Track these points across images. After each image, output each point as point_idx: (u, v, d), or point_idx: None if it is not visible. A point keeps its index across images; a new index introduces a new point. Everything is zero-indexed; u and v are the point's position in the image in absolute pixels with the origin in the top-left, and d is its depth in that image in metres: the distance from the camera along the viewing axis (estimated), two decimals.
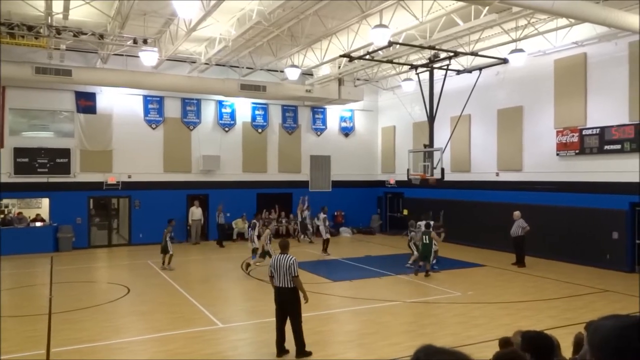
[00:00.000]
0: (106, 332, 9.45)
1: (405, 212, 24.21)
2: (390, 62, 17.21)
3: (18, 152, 19.19)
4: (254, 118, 23.57)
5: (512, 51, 15.81)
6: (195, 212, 21.58)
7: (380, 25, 12.93)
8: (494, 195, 19.19)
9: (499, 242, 17.84)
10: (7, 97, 19.04)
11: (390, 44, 14.34)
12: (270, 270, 8.21)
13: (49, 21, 14.70)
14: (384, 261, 17.26)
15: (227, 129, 22.97)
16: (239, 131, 23.26)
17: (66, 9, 13.61)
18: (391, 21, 13.46)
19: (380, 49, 16.01)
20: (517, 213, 16.15)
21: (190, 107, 22.24)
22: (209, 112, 22.67)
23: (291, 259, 8.05)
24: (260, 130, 23.70)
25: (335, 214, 24.68)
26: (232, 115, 23.10)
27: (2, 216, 20.18)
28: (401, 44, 15.51)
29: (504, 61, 15.92)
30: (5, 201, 20.32)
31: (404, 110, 23.31)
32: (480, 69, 16.48)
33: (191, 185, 22.20)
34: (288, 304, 8.04)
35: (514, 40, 15.38)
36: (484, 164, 20.11)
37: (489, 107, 19.64)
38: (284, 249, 8.30)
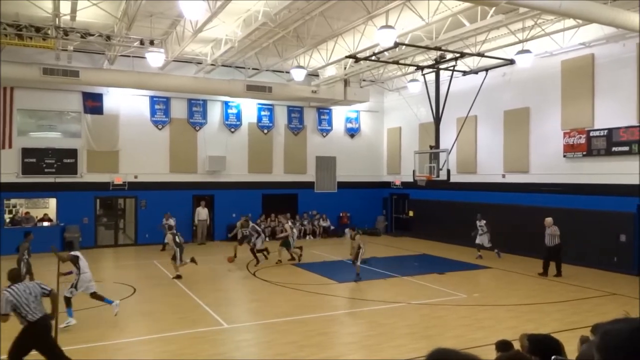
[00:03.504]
0: (111, 331, 9.50)
1: (411, 213, 24.16)
2: (396, 63, 17.17)
3: (26, 152, 19.31)
4: (259, 119, 23.61)
5: (519, 52, 15.72)
6: (201, 213, 21.66)
7: (386, 26, 12.91)
8: (500, 197, 19.10)
9: (504, 244, 17.74)
10: (15, 98, 19.19)
11: (396, 44, 14.30)
12: (13, 307, 6.57)
13: (57, 22, 14.80)
14: (389, 262, 17.22)
15: (232, 129, 23.02)
16: (245, 132, 23.30)
17: (74, 10, 13.71)
18: (397, 22, 13.43)
19: (386, 49, 15.98)
20: (548, 220, 14.79)
21: (196, 108, 22.30)
22: (214, 112, 22.72)
23: (38, 283, 7.08)
24: (266, 131, 23.73)
25: (341, 215, 24.68)
26: (238, 116, 23.15)
27: (10, 216, 20.34)
28: (407, 45, 15.48)
29: (511, 62, 15.84)
30: (13, 201, 20.46)
31: (410, 111, 23.26)
32: (486, 70, 16.44)
33: (197, 185, 22.26)
34: (48, 336, 6.92)
35: (520, 41, 15.30)
36: (490, 166, 20.02)
37: (496, 108, 19.55)
38: (16, 279, 6.94)
